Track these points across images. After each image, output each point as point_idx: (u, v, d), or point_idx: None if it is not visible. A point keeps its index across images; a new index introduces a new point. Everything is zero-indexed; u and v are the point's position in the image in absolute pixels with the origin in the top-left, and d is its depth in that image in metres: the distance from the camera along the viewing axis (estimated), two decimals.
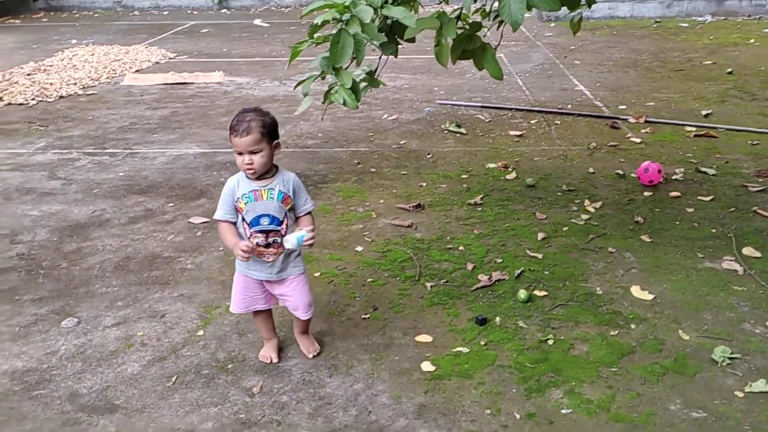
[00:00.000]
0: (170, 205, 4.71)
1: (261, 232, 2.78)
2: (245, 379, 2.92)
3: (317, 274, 3.74)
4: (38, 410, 2.75)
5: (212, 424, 2.67)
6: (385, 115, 6.67)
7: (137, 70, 8.73)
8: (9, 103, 7.24)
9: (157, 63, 9.22)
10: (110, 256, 4.01)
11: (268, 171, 2.77)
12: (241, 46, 10.40)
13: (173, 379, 2.93)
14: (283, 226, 2.80)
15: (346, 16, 2.76)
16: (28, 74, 8.35)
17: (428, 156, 5.53)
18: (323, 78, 3.20)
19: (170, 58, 9.53)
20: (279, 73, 8.51)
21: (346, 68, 3.02)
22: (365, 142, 5.92)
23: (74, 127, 6.47)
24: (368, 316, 3.35)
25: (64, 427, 2.66)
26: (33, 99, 7.35)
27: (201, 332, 3.26)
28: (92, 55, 9.50)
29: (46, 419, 2.70)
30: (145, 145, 5.97)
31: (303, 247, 2.79)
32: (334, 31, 2.77)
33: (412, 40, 3.29)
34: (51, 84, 7.86)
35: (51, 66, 8.81)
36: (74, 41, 10.82)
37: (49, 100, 7.40)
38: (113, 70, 8.66)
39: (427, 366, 2.96)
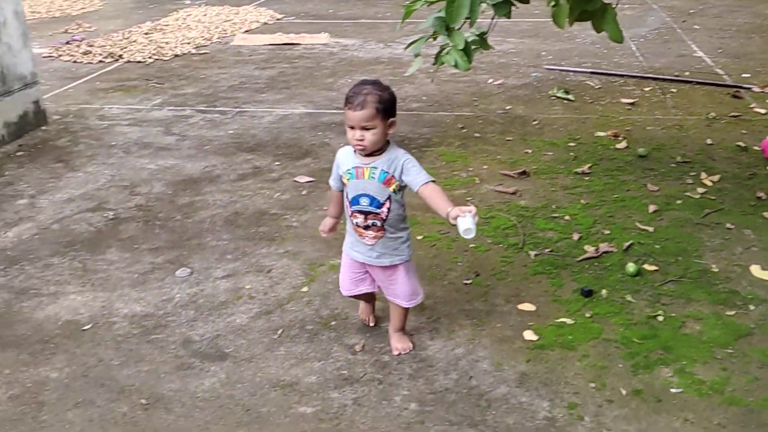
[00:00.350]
0: (277, 163, 4.81)
1: (360, 212, 2.63)
2: (347, 337, 2.97)
3: (420, 237, 3.73)
4: (155, 354, 2.90)
5: (316, 378, 2.73)
6: (491, 80, 6.53)
7: (246, 31, 8.91)
8: (128, 61, 7.56)
9: (265, 24, 9.38)
10: (220, 211, 4.14)
11: (379, 149, 2.56)
12: (346, 8, 10.41)
13: (279, 332, 3.01)
14: (384, 209, 2.59)
15: None
16: (146, 33, 8.67)
17: (534, 122, 5.38)
18: (434, 39, 3.14)
19: (278, 19, 9.66)
20: (384, 36, 8.47)
21: (459, 29, 2.95)
22: (469, 107, 5.83)
23: (188, 85, 6.69)
24: (470, 281, 3.32)
25: (178, 371, 2.78)
26: (150, 57, 7.64)
27: (305, 288, 3.32)
28: (204, 15, 9.76)
29: (162, 362, 2.84)
30: (253, 104, 6.10)
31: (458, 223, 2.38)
32: None
33: (526, 0, 3.19)
34: (167, 43, 8.14)
35: (167, 26, 9.11)
36: (188, 2, 11.13)
37: (164, 58, 7.67)
38: (224, 31, 8.87)
39: (529, 335, 2.91)
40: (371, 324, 3.01)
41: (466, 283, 3.31)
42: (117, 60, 7.61)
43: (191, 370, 2.80)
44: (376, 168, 2.56)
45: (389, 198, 2.59)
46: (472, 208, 2.37)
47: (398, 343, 2.86)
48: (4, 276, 3.49)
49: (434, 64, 3.31)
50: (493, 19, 3.46)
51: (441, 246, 3.65)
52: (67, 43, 8.23)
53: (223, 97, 6.31)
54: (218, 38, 8.57)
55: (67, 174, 4.70)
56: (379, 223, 2.63)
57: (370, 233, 2.65)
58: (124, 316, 3.15)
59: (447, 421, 2.48)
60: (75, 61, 7.61)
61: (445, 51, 3.02)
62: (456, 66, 2.93)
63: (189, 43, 8.19)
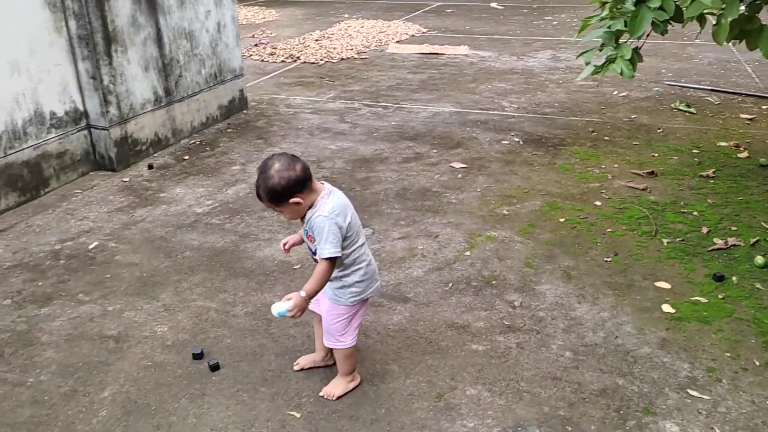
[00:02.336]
0: (434, 151, 4.97)
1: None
2: (507, 294, 3.08)
3: (562, 220, 3.78)
4: None
5: (483, 323, 2.87)
6: (615, 92, 6.41)
7: (398, 41, 9.11)
8: (304, 62, 7.94)
9: (413, 36, 9.55)
10: (391, 186, 4.34)
11: (310, 208, 2.26)
12: (480, 25, 10.42)
13: (449, 285, 3.17)
14: (318, 257, 2.27)
15: None
16: (316, 40, 9.05)
17: (658, 130, 5.26)
18: (600, 50, 3.17)
19: (423, 32, 9.81)
20: (516, 50, 8.45)
21: (626, 42, 2.97)
22: (597, 114, 5.76)
23: (354, 84, 6.97)
24: (609, 259, 3.35)
25: (371, 307, 2.99)
26: (321, 59, 7.98)
27: (468, 253, 3.46)
28: (362, 27, 10.04)
29: None
30: (409, 101, 6.29)
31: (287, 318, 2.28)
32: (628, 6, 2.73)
33: (681, 20, 3.16)
34: (334, 48, 8.47)
35: (332, 34, 9.46)
36: (346, 15, 11.48)
37: (333, 61, 8.00)
38: (379, 40, 9.12)
39: (667, 308, 2.92)
40: (298, 367, 2.59)
41: (606, 260, 3.34)
42: (295, 61, 8.01)
43: (381, 307, 3.00)
44: (304, 225, 2.33)
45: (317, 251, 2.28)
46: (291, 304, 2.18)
47: (328, 386, 2.48)
48: (230, 222, 3.85)
49: (595, 73, 3.33)
50: (647, 36, 3.44)
51: (581, 228, 3.69)
52: (256, 45, 8.74)
53: (384, 94, 6.54)
54: (375, 46, 8.83)
55: (266, 148, 5.05)
56: None
57: None
58: None
59: (599, 370, 2.56)
60: (262, 60, 8.08)
61: (610, 61, 3.02)
62: (621, 73, 2.95)
63: (352, 50, 8.48)
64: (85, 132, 4.56)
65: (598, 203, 3.99)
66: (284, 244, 2.47)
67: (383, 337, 2.79)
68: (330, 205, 2.24)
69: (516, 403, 2.40)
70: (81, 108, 4.50)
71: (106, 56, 4.44)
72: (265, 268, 3.33)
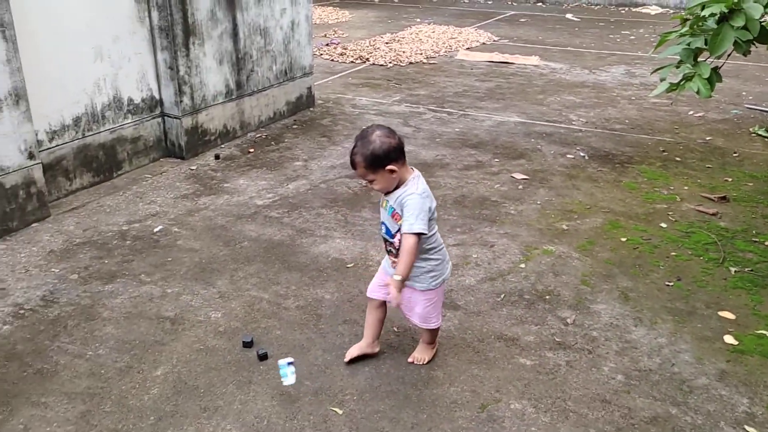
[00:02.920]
0: (496, 160, 4.92)
1: (383, 238, 2.47)
2: (560, 310, 3.02)
3: (623, 239, 3.68)
4: None
5: (533, 338, 2.82)
6: (691, 112, 6.18)
7: (468, 48, 9.07)
8: (373, 63, 8.01)
9: (483, 43, 9.49)
10: (450, 192, 4.32)
11: (399, 185, 2.33)
12: (554, 36, 10.25)
13: (501, 296, 3.13)
14: (395, 239, 2.36)
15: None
16: (387, 42, 9.11)
17: (734, 154, 5.04)
18: (677, 68, 3.07)
19: (494, 41, 9.73)
20: (588, 63, 8.27)
21: (704, 60, 2.86)
22: (670, 133, 5.57)
23: (420, 88, 6.98)
24: (671, 284, 3.23)
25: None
26: (390, 62, 8.03)
27: (523, 265, 3.41)
28: (433, 32, 10.05)
29: None
30: (475, 109, 6.25)
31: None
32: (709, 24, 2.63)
33: (766, 42, 3.02)
34: (403, 52, 8.50)
35: (403, 38, 9.51)
36: (418, 20, 11.52)
37: (401, 64, 8.03)
38: (449, 46, 9.10)
39: (729, 339, 2.80)
40: (348, 358, 2.62)
41: (668, 285, 3.23)
42: (364, 62, 8.09)
43: None
44: (389, 202, 2.36)
45: (399, 230, 2.33)
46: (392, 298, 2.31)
47: (417, 352, 2.65)
48: (288, 217, 3.92)
49: (670, 90, 3.23)
50: (728, 56, 3.31)
51: (643, 250, 3.57)
52: (327, 45, 8.87)
53: (450, 100, 6.52)
54: (444, 52, 8.82)
55: (330, 146, 5.12)
56: (393, 251, 2.41)
57: (391, 259, 2.48)
58: (377, 263, 3.41)
59: (651, 396, 2.47)
60: (332, 60, 8.19)
61: (687, 79, 2.92)
62: (698, 93, 2.85)
63: (421, 54, 8.50)
64: (159, 120, 4.74)
65: (663, 225, 3.86)
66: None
67: None
68: (422, 187, 2.33)
69: (561, 422, 2.35)
70: (157, 96, 4.68)
71: (184, 48, 4.60)
72: (319, 264, 3.38)
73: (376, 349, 2.68)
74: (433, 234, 2.42)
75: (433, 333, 2.63)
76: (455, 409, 2.40)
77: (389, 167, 2.26)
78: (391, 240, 2.41)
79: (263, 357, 2.65)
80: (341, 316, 2.94)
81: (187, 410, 2.38)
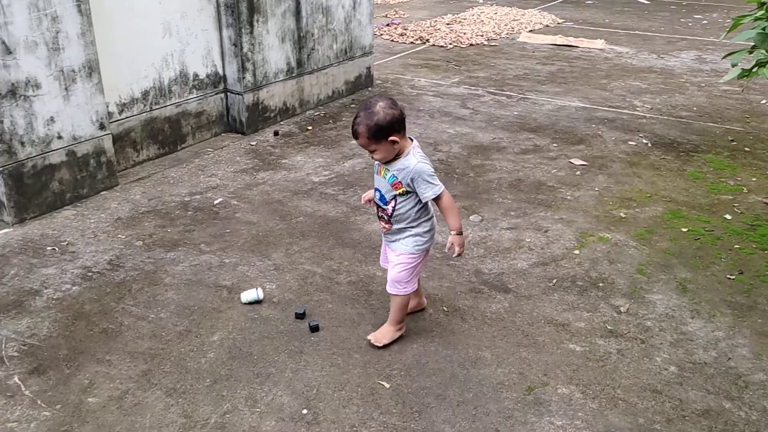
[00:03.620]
0: (554, 145, 4.83)
1: (375, 204, 2.55)
2: (613, 299, 2.97)
3: (684, 230, 3.57)
4: (453, 275, 3.14)
5: (584, 324, 2.79)
6: (764, 101, 5.89)
7: (531, 30, 8.88)
8: (433, 45, 7.96)
9: (546, 26, 9.27)
10: (505, 176, 4.28)
11: (399, 155, 2.41)
12: (621, 19, 9.91)
13: (553, 281, 3.10)
14: (389, 206, 2.46)
15: None
16: (447, 23, 9.02)
17: None
18: (750, 53, 2.94)
19: (558, 23, 9.49)
20: (657, 47, 7.97)
21: None
22: (740, 122, 5.34)
23: (480, 70, 6.89)
24: (733, 277, 3.13)
25: (471, 293, 3.00)
26: (450, 44, 7.96)
27: (577, 252, 3.36)
28: (495, 14, 9.87)
29: (458, 283, 3.08)
30: (535, 92, 6.14)
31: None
32: None
33: None
34: (464, 33, 8.40)
35: (464, 19, 9.39)
36: (480, 1, 11.32)
37: (461, 46, 7.95)
38: (511, 28, 8.93)
39: None
40: (412, 307, 2.76)
41: (729, 278, 3.12)
42: (424, 43, 8.04)
43: (481, 294, 3.00)
44: (389, 170, 2.42)
45: (395, 198, 2.44)
46: (454, 249, 2.45)
47: (377, 332, 2.63)
48: (343, 194, 3.98)
49: (741, 76, 3.09)
50: None
51: (705, 241, 3.46)
52: (387, 25, 8.85)
53: (510, 83, 6.42)
54: (506, 34, 8.66)
55: None
56: (385, 218, 2.50)
57: (381, 224, 2.56)
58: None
59: (705, 390, 2.41)
60: (392, 40, 8.18)
61: (760, 65, 2.79)
62: None
63: (482, 36, 8.38)
64: (222, 95, 4.86)
65: (727, 216, 3.72)
66: (366, 199, 2.62)
67: (479, 323, 2.78)
68: (422, 154, 2.43)
69: (609, 409, 2.33)
70: (221, 72, 4.79)
71: (248, 25, 4.69)
72: (372, 241, 3.42)
73: (424, 302, 2.83)
74: (427, 204, 2.48)
75: (401, 310, 2.58)
76: (502, 390, 2.41)
77: (391, 138, 2.33)
78: (384, 207, 2.49)
79: (315, 329, 2.72)
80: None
81: (241, 375, 2.47)
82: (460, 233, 2.46)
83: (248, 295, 2.89)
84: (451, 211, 2.45)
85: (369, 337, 2.62)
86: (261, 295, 2.89)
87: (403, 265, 2.52)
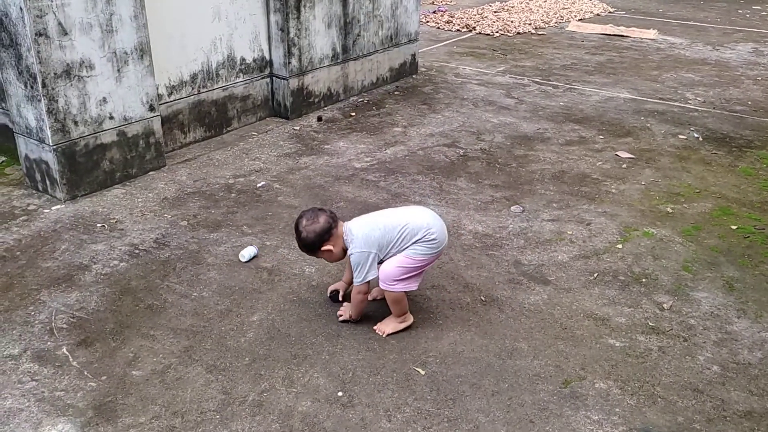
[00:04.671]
0: (600, 137, 4.73)
1: None
2: (656, 295, 2.91)
3: (734, 227, 3.46)
4: (492, 265, 3.12)
5: (624, 320, 2.74)
6: None
7: (580, 19, 8.70)
8: (479, 33, 7.86)
9: (597, 15, 9.06)
10: (548, 167, 4.22)
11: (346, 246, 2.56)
12: (676, 9, 9.62)
13: (594, 275, 3.05)
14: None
15: None
16: (495, 11, 8.89)
17: None
18: None
19: (609, 12, 9.27)
20: (712, 39, 7.71)
21: None
22: None
23: (526, 59, 6.79)
24: None
25: (509, 283, 2.98)
26: (497, 32, 7.85)
27: (620, 246, 3.30)
28: (544, 2, 9.70)
29: (497, 273, 3.06)
30: (582, 83, 6.01)
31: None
32: None
33: None
34: (511, 22, 8.28)
35: (512, 7, 9.24)
36: None
37: (508, 34, 7.83)
38: (561, 17, 8.76)
39: None
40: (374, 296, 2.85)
41: None
42: (470, 31, 7.95)
43: (520, 285, 2.97)
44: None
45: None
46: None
47: (381, 323, 2.66)
48: (384, 181, 3.98)
49: None
50: None
51: (755, 239, 3.35)
52: (434, 12, 8.79)
53: (556, 73, 6.31)
54: (555, 23, 8.50)
55: (429, 114, 5.12)
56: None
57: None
58: (469, 231, 3.42)
59: (748, 391, 2.35)
60: (438, 28, 8.11)
61: None
62: None
63: (530, 24, 8.24)
64: (267, 80, 4.91)
65: None
66: (332, 293, 2.81)
67: (517, 314, 2.76)
68: (358, 240, 2.52)
69: (648, 406, 2.28)
70: (267, 57, 4.84)
71: (296, 10, 4.72)
72: None
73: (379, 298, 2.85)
74: (404, 249, 2.53)
75: (396, 303, 2.59)
76: (537, 382, 2.39)
77: (324, 248, 2.52)
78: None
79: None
80: (429, 281, 2.97)
81: (279, 355, 2.51)
82: (353, 319, 2.66)
83: (247, 253, 3.12)
84: (353, 303, 2.62)
85: (375, 327, 2.65)
86: (257, 250, 3.16)
87: (397, 262, 2.53)
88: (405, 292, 2.58)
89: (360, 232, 2.53)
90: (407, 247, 2.52)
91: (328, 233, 2.51)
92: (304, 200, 3.73)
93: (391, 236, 2.51)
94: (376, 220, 2.57)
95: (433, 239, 2.53)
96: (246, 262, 3.11)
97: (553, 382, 2.39)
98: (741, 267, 3.11)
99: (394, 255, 2.54)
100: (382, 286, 2.58)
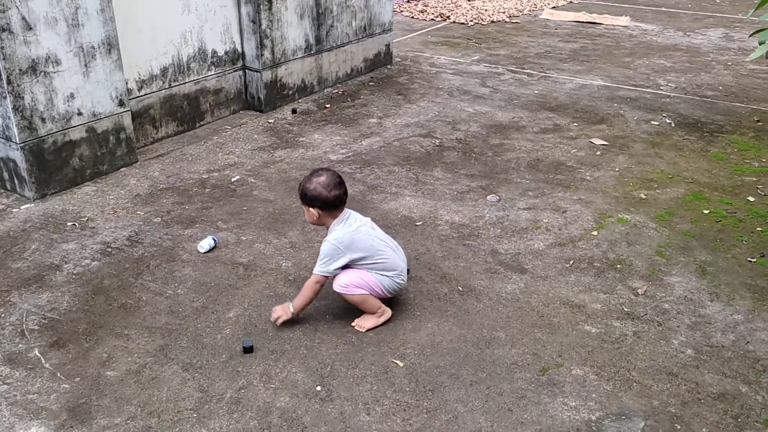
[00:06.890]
0: (575, 124, 4.76)
1: None
2: (631, 281, 2.94)
3: (706, 212, 3.51)
4: (469, 255, 3.13)
5: (600, 306, 2.76)
6: None
7: (554, 7, 8.72)
8: (453, 21, 7.85)
9: (570, 2, 9.09)
10: (524, 155, 4.24)
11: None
12: None
13: (570, 262, 3.07)
14: None
15: None
16: (468, 0, 8.88)
17: None
18: None
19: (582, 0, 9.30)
20: (683, 25, 7.78)
21: None
22: (767, 102, 5.21)
23: (501, 48, 6.79)
24: (754, 260, 3.07)
25: (486, 273, 2.99)
26: (471, 21, 7.84)
27: (595, 233, 3.32)
28: None
29: (474, 263, 3.06)
30: (556, 71, 6.04)
31: None
32: None
33: None
34: (485, 10, 8.27)
35: None
36: None
37: (482, 23, 7.83)
38: (534, 5, 8.77)
39: None
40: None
41: (750, 261, 3.07)
42: (445, 20, 7.93)
43: (497, 274, 2.98)
44: None
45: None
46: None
47: (359, 318, 2.65)
48: (360, 173, 3.96)
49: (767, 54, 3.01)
50: None
51: (726, 223, 3.40)
52: (408, 1, 8.74)
53: (531, 61, 6.32)
54: (528, 11, 8.51)
55: (404, 105, 5.10)
56: None
57: None
58: (445, 222, 3.42)
59: (722, 373, 2.39)
60: (412, 17, 8.08)
61: None
62: None
63: (504, 13, 8.25)
64: (240, 72, 4.85)
65: (751, 199, 3.65)
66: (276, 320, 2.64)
67: (495, 303, 2.77)
68: (337, 234, 2.55)
69: (624, 391, 2.31)
70: (239, 49, 4.78)
71: (267, 2, 4.66)
72: (388, 220, 3.41)
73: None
74: (370, 259, 2.57)
75: (362, 305, 2.60)
76: (515, 370, 2.41)
77: (312, 210, 2.56)
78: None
79: (249, 350, 2.67)
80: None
81: (256, 351, 2.49)
82: (295, 314, 2.60)
83: (206, 244, 3.13)
84: (304, 291, 2.58)
85: (353, 324, 2.63)
86: (215, 240, 3.17)
87: (363, 276, 2.58)
88: (363, 294, 2.57)
89: (349, 232, 2.55)
90: (375, 271, 2.57)
91: (325, 204, 2.54)
92: (279, 194, 3.70)
93: (368, 256, 2.56)
94: (368, 236, 2.59)
95: (400, 282, 2.65)
96: (205, 252, 3.10)
97: (530, 370, 2.40)
98: (713, 251, 3.16)
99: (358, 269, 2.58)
100: (336, 289, 2.58)
